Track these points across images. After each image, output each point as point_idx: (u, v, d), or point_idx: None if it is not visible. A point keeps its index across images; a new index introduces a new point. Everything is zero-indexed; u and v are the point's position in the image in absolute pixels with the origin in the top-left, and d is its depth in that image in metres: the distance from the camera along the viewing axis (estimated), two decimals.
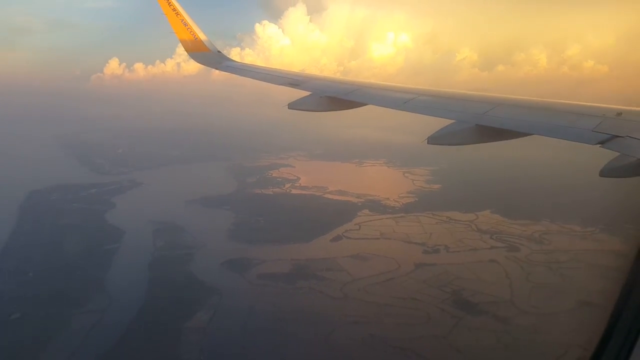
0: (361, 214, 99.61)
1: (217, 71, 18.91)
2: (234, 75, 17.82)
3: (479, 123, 9.75)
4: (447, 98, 11.87)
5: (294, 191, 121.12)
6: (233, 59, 19.74)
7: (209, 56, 19.19)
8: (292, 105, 13.33)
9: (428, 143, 9.98)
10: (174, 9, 17.91)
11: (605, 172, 9.18)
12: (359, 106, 12.76)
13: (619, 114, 8.92)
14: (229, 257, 76.31)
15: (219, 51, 19.59)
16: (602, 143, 7.99)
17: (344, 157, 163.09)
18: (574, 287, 60.71)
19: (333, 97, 13.05)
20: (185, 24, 18.49)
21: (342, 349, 51.35)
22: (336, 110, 13.10)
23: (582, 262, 71.89)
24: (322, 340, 52.83)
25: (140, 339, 52.64)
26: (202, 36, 19.03)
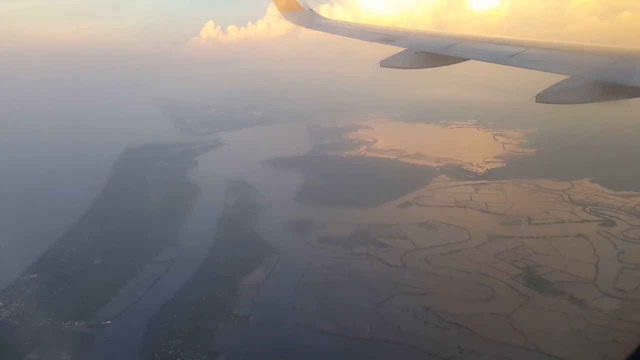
0: (437, 180, 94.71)
1: (306, 30, 18.80)
2: (324, 33, 17.62)
3: (598, 79, 8.87)
4: (561, 51, 10.78)
5: (368, 154, 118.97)
6: (322, 16, 19.65)
7: (300, 15, 19.24)
8: (385, 63, 12.98)
9: (537, 101, 9.19)
10: None
11: None
12: (458, 62, 12.13)
13: None
14: (292, 218, 78.05)
15: (311, 9, 19.53)
16: None
17: (430, 118, 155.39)
18: None
19: (430, 52, 12.45)
20: None
21: (390, 318, 50.21)
22: (432, 66, 12.57)
23: None
24: (372, 308, 52.07)
25: (198, 291, 56.62)
26: None
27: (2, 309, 52.98)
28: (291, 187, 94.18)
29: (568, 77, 9.24)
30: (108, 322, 51.56)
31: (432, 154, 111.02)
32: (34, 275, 60.37)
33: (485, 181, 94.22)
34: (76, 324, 50.95)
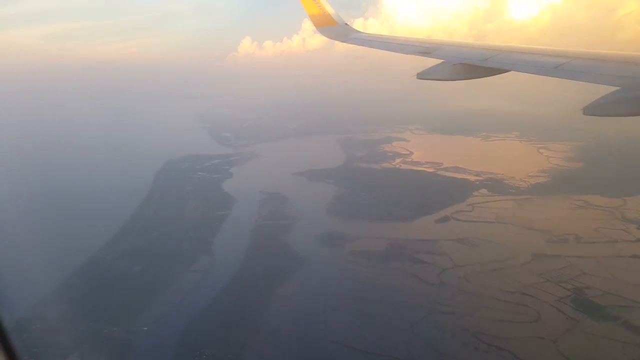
0: (477, 194, 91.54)
1: (340, 44, 19.13)
2: (358, 46, 17.84)
3: None
4: (608, 61, 10.36)
5: (403, 166, 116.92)
6: (357, 29, 19.92)
7: (335, 29, 19.50)
8: (422, 75, 12.86)
9: (584, 114, 8.84)
10: None
11: None
12: (499, 73, 11.92)
13: None
14: (324, 231, 77.22)
15: (345, 23, 19.75)
16: None
17: (469, 130, 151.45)
18: None
19: (468, 64, 12.31)
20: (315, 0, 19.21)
21: (427, 338, 48.16)
22: (472, 78, 12.35)
23: None
24: (406, 327, 50.17)
25: (231, 302, 56.60)
26: (329, 10, 19.47)
27: (47, 313, 54.71)
28: (324, 199, 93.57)
29: (616, 88, 8.77)
30: (145, 328, 52.47)
31: (472, 167, 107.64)
32: (77, 281, 62.94)
33: (529, 196, 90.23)
34: (115, 329, 52.24)
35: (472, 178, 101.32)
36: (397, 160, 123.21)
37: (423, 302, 55.04)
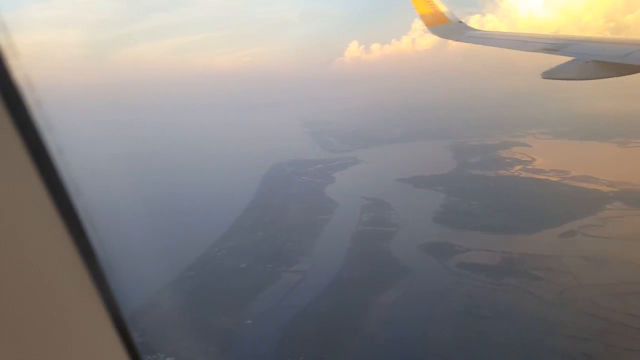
0: (611, 207, 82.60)
1: (453, 42, 18.90)
2: (474, 45, 17.40)
3: None
4: None
5: (523, 174, 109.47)
6: (473, 27, 19.53)
7: (449, 28, 19.18)
8: (549, 74, 12.19)
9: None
10: None
11: None
12: None
13: None
14: (429, 240, 75.98)
15: (460, 21, 19.42)
16: None
17: (602, 135, 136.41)
18: None
19: (603, 61, 11.54)
20: None
21: None
22: (607, 77, 11.62)
23: None
24: (519, 348, 47.51)
25: (330, 303, 58.91)
26: (442, 8, 19.28)
27: (165, 302, 61.90)
28: (431, 207, 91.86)
29: None
30: (249, 321, 57.26)
31: (605, 176, 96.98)
32: (191, 273, 70.91)
33: None
34: (223, 319, 57.85)
35: (605, 189, 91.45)
36: (517, 167, 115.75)
37: (540, 322, 51.65)
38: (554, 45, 13.34)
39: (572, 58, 12.05)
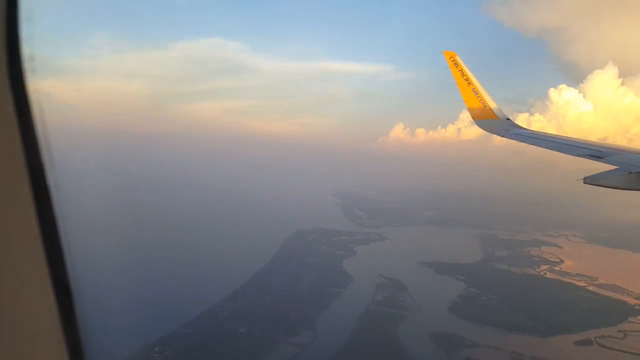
0: (633, 320, 78.19)
1: (497, 137, 19.12)
2: (517, 142, 17.56)
3: None
4: None
5: (549, 275, 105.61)
6: (520, 125, 20.02)
7: (496, 123, 19.47)
8: (591, 180, 11.80)
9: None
10: (467, 79, 19.41)
11: None
12: None
13: None
14: (440, 330, 73.68)
15: (507, 118, 19.88)
16: None
17: (637, 246, 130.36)
18: None
19: None
20: (476, 93, 19.55)
21: None
22: None
23: None
24: None
25: None
26: (491, 104, 19.73)
27: (155, 356, 61.33)
28: (448, 296, 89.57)
29: None
30: None
31: (634, 288, 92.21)
32: (189, 330, 69.77)
33: None
34: None
35: (631, 301, 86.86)
36: (543, 267, 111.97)
37: None
38: (600, 153, 13.25)
39: (616, 167, 12.02)
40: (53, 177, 2.24)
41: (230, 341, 67.34)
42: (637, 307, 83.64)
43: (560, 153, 14.54)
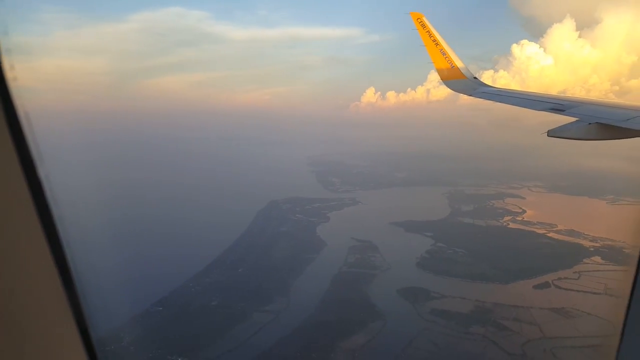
0: (588, 262, 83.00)
1: (464, 95, 19.71)
2: (484, 100, 18.17)
3: None
4: None
5: (511, 225, 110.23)
6: (486, 83, 20.56)
7: (463, 83, 20.05)
8: (553, 133, 12.44)
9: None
10: (434, 40, 19.78)
11: None
12: None
13: None
14: (408, 285, 76.73)
15: (475, 77, 20.49)
16: None
17: (595, 192, 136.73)
18: None
19: (606, 124, 11.76)
20: (444, 54, 19.97)
21: None
22: (608, 139, 11.96)
23: None
24: None
25: (295, 347, 59.06)
26: (459, 64, 20.22)
27: (125, 336, 60.57)
28: (416, 252, 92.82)
29: None
30: None
31: (590, 232, 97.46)
32: (159, 308, 69.84)
33: None
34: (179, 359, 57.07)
35: (586, 243, 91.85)
36: (506, 218, 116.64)
37: None
38: (561, 106, 13.71)
39: (577, 119, 12.49)
40: (43, 169, 2.26)
41: (202, 315, 67.74)
42: (592, 249, 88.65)
43: (524, 108, 15.22)
